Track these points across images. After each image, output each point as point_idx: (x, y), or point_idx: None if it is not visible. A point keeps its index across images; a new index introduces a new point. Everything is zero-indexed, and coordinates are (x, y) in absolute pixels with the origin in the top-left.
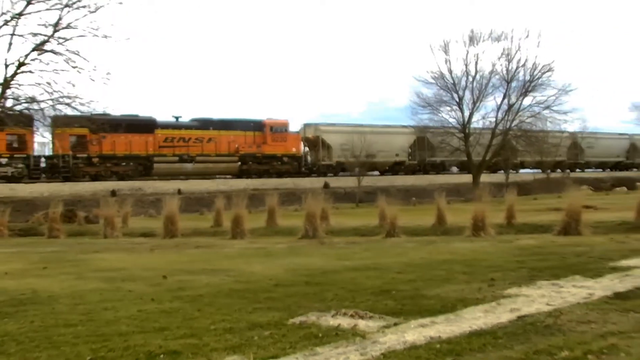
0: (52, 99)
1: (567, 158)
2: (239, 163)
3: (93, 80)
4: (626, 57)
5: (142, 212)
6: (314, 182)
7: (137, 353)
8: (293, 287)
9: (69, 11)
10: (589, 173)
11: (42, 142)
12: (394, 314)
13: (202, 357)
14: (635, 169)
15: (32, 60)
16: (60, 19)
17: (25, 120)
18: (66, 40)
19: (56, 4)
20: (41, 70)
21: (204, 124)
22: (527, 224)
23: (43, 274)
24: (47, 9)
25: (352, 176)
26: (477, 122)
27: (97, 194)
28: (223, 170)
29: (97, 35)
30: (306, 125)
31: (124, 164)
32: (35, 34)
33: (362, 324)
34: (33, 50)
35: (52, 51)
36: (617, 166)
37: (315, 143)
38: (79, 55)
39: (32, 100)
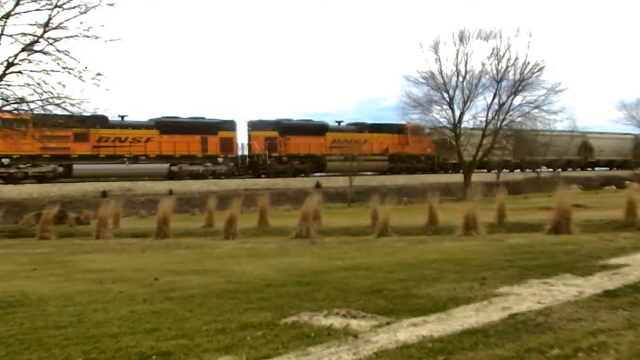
0: (41, 100)
1: (633, 157)
2: (388, 161)
3: (83, 81)
4: (612, 55)
5: (133, 213)
6: (306, 182)
7: (128, 354)
8: (284, 287)
9: (59, 11)
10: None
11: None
12: (386, 314)
13: (194, 358)
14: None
15: (21, 60)
16: (50, 19)
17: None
18: (56, 40)
19: (46, 4)
20: (31, 71)
21: (360, 127)
22: (518, 222)
23: (32, 275)
24: (37, 9)
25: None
26: (467, 121)
27: (86, 194)
28: (376, 167)
29: (87, 36)
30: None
31: (304, 162)
32: (24, 34)
33: (354, 323)
34: (22, 50)
35: (41, 51)
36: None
37: (443, 144)
38: (69, 55)
39: (22, 100)
